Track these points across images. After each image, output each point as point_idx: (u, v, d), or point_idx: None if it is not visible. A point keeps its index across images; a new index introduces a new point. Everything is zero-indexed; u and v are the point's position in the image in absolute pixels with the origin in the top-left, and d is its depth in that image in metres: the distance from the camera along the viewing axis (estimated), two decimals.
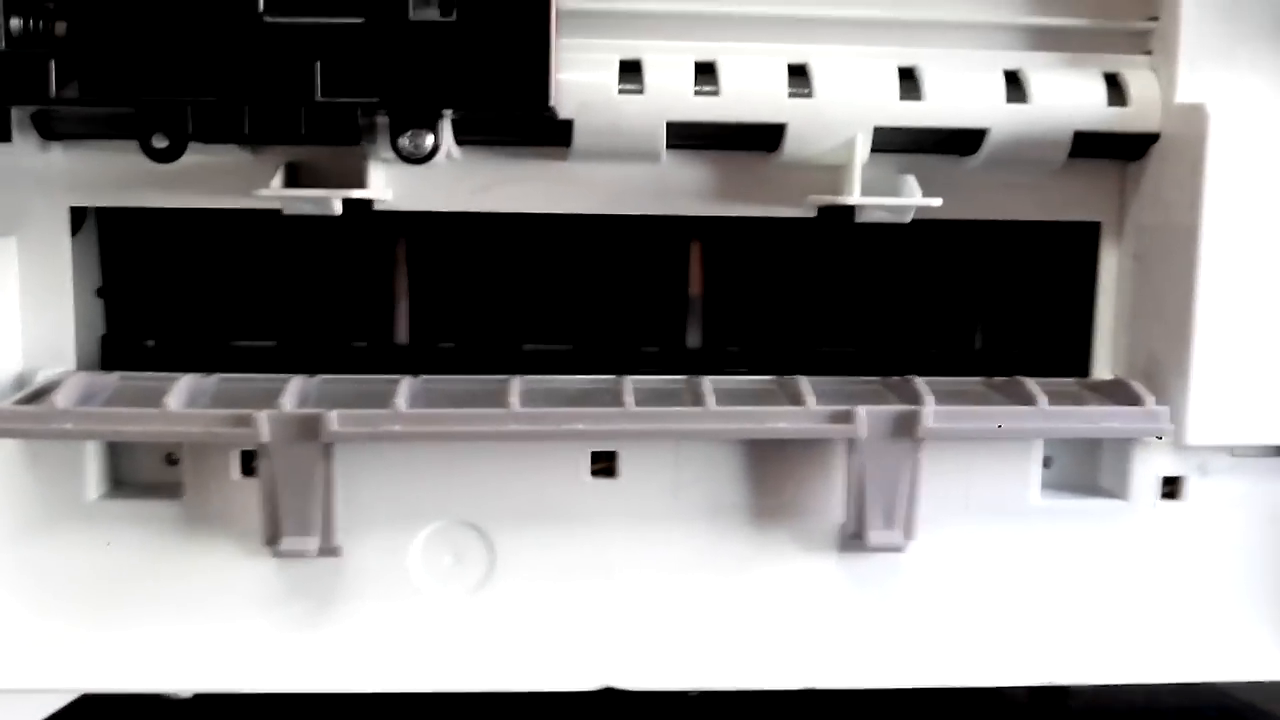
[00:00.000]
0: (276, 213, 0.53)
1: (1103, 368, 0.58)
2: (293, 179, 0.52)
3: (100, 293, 0.58)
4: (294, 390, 0.51)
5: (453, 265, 0.60)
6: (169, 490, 0.54)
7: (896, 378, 0.55)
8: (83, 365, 0.55)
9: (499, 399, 0.50)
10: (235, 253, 0.59)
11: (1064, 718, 0.71)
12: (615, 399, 0.51)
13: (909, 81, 0.53)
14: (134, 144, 0.49)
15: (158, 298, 0.59)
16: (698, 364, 0.59)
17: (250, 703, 0.62)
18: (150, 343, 0.59)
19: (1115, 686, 0.69)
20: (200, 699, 0.63)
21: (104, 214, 0.57)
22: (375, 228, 0.58)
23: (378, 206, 0.54)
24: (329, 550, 0.51)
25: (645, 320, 0.60)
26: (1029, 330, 0.61)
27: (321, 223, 0.53)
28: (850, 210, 0.53)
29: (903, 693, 0.59)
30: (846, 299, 0.61)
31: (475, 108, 0.48)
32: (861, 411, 0.51)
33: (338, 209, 0.51)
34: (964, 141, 0.54)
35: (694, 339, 0.60)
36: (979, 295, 0.61)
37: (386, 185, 0.53)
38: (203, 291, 0.59)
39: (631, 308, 0.60)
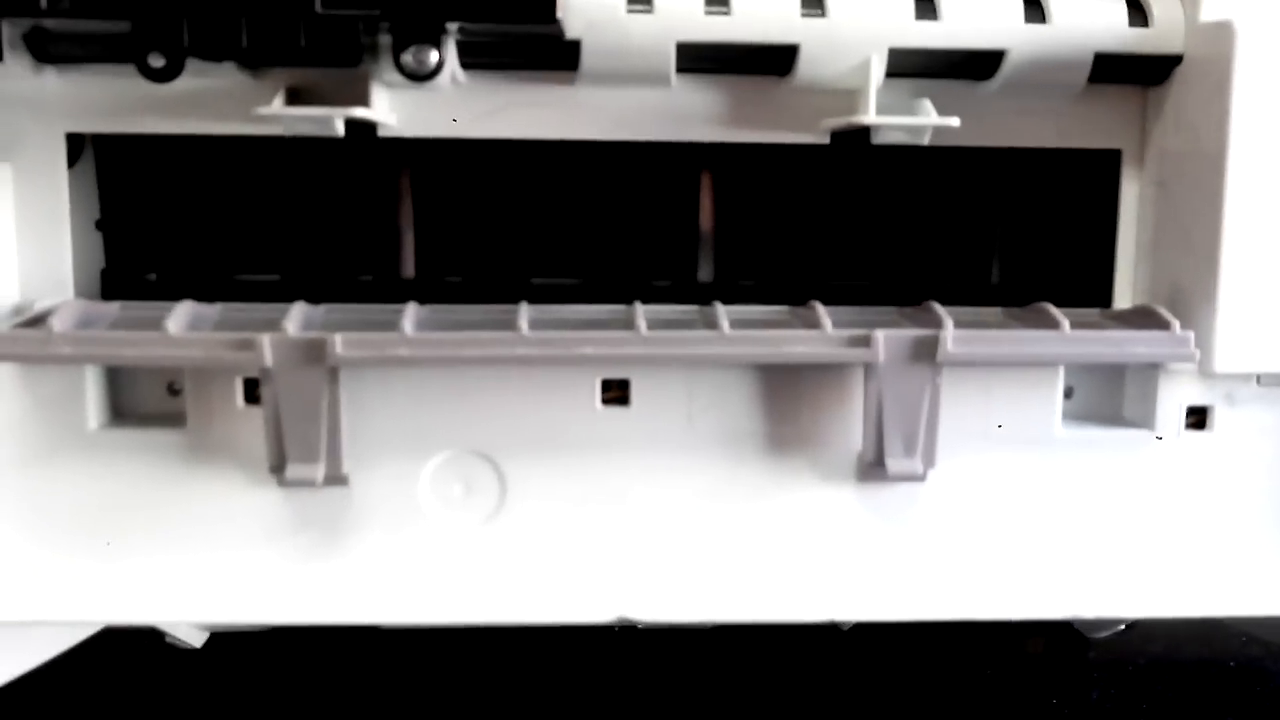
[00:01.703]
0: (280, 142, 0.52)
1: (1124, 299, 0.57)
2: (295, 103, 0.51)
3: (99, 225, 0.57)
4: (297, 316, 0.50)
5: (459, 197, 0.59)
6: (171, 420, 0.53)
7: (913, 307, 0.54)
8: (82, 299, 0.54)
9: (507, 325, 0.49)
10: (238, 185, 0.58)
11: (1082, 668, 0.70)
12: (627, 325, 0.50)
13: (925, 2, 0.52)
14: (131, 69, 0.49)
15: (158, 231, 0.58)
16: (709, 298, 0.57)
17: (258, 635, 0.62)
18: (151, 276, 0.58)
19: (1133, 637, 0.69)
20: (210, 637, 0.63)
21: (102, 145, 0.56)
22: (380, 158, 0.57)
23: (382, 133, 0.53)
24: (335, 478, 0.50)
25: (656, 253, 0.59)
26: (1047, 262, 0.60)
27: (325, 152, 0.52)
28: (865, 132, 0.52)
29: (917, 632, 0.58)
30: (861, 231, 0.60)
31: (480, 18, 0.47)
32: (880, 335, 0.50)
33: (339, 129, 0.50)
34: (981, 65, 0.53)
35: (706, 272, 0.59)
36: (996, 226, 0.60)
37: (390, 110, 0.52)
38: (205, 224, 0.58)
39: (642, 240, 0.59)
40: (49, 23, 0.50)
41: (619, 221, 0.59)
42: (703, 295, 0.58)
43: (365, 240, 0.58)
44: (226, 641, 0.66)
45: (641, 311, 0.51)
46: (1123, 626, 0.65)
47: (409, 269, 0.58)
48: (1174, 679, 0.68)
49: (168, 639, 0.62)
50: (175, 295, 0.55)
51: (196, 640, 0.63)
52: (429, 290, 0.58)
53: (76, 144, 0.54)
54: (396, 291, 0.57)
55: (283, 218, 0.58)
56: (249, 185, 0.58)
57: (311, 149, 0.55)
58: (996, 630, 0.59)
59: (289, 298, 0.53)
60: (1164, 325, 0.52)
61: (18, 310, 0.52)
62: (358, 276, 0.58)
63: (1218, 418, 0.55)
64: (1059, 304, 0.54)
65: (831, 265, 0.60)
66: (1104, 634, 0.67)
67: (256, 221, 0.58)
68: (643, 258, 0.59)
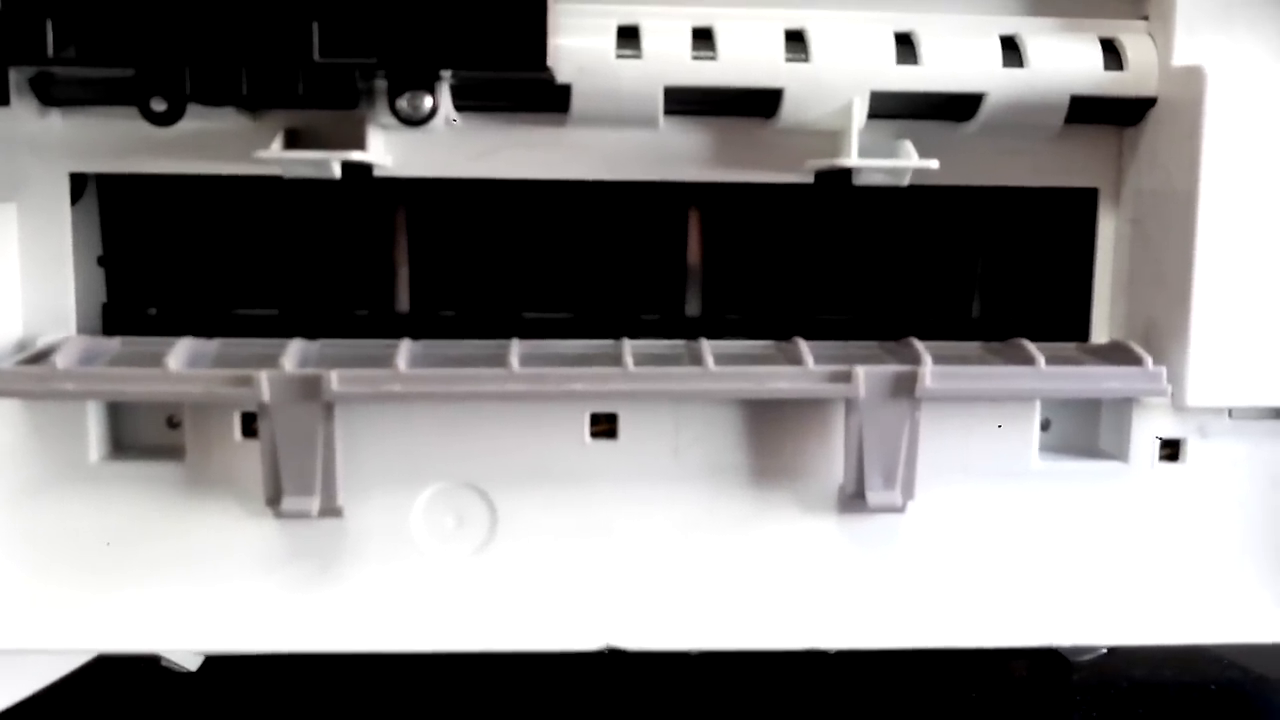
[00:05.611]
0: (277, 180, 0.53)
1: (1100, 333, 0.58)
2: (292, 144, 0.53)
3: (101, 261, 0.58)
4: (294, 352, 0.51)
5: (453, 233, 0.60)
6: (171, 452, 0.54)
7: (895, 341, 0.55)
8: (84, 333, 0.55)
9: (499, 361, 0.51)
10: (237, 221, 0.59)
11: (1065, 692, 0.71)
12: (615, 361, 0.51)
13: (905, 46, 0.53)
14: (133, 110, 0.50)
15: (159, 266, 0.59)
16: (697, 332, 0.59)
17: (254, 663, 0.63)
18: (152, 310, 0.59)
19: (1116, 661, 0.70)
20: (205, 660, 0.64)
21: (104, 182, 0.57)
22: (375, 195, 0.58)
23: (377, 173, 0.54)
24: (330, 510, 0.51)
25: (645, 288, 0.60)
26: (1026, 297, 0.61)
27: (322, 190, 0.53)
28: (847, 173, 0.53)
29: (902, 656, 0.59)
30: (844, 267, 0.62)
31: (473, 67, 0.49)
32: (860, 371, 0.51)
33: (337, 171, 0.51)
34: (961, 107, 0.54)
35: (693, 307, 0.61)
36: (976, 262, 0.62)
37: (386, 151, 0.54)
38: (204, 260, 0.59)
39: (631, 275, 0.60)
40: (55, 68, 0.51)
41: (609, 257, 0.60)
42: (690, 329, 0.59)
43: (361, 275, 0.60)
44: (221, 665, 0.66)
45: (629, 348, 0.52)
46: (1105, 651, 0.66)
47: (404, 303, 0.60)
48: (1156, 702, 0.69)
49: (163, 662, 0.63)
50: (175, 329, 0.56)
51: (192, 664, 0.64)
52: (423, 324, 0.59)
53: (79, 181, 0.55)
54: (391, 325, 0.59)
55: (280, 253, 0.59)
56: (247, 221, 0.59)
57: (308, 187, 0.56)
58: (980, 654, 0.60)
59: (287, 332, 0.55)
60: (1137, 361, 0.53)
61: (21, 345, 0.54)
62: (354, 311, 0.60)
63: (1190, 450, 0.57)
64: (1038, 337, 0.55)
65: (816, 299, 0.61)
66: (1087, 658, 0.68)
67: (254, 257, 0.59)
68: (632, 293, 0.60)
